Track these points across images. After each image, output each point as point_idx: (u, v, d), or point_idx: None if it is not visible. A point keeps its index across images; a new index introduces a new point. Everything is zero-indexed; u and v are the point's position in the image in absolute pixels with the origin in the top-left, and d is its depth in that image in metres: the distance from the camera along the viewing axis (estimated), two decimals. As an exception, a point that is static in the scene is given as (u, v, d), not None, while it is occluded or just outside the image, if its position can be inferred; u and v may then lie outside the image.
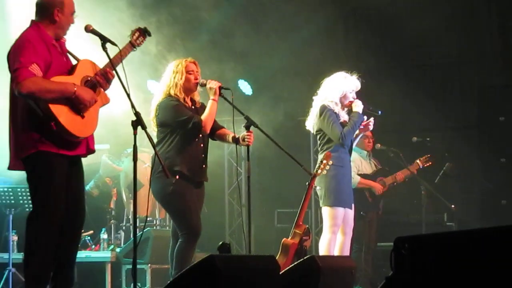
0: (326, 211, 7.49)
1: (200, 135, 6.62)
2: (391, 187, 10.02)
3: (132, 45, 5.82)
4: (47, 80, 5.36)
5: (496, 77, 12.74)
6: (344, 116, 7.63)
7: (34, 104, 5.35)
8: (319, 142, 7.68)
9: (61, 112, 5.37)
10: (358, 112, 7.57)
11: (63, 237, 5.54)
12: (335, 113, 7.54)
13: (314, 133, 7.73)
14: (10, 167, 5.57)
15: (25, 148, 5.41)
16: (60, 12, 5.56)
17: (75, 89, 5.40)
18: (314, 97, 7.75)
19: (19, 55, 5.32)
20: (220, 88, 6.59)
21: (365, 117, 7.72)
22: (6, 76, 5.49)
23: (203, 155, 6.67)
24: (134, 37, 5.86)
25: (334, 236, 7.45)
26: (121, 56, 5.65)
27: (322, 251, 7.41)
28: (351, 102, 7.65)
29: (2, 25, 9.65)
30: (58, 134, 5.39)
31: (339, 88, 7.61)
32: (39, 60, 5.36)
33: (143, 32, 5.89)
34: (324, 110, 7.51)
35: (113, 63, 5.61)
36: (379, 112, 7.90)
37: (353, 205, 7.70)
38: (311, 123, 7.72)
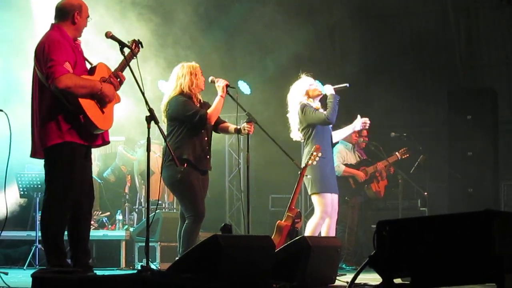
0: (315, 198, 7.45)
1: (205, 129, 6.60)
2: (373, 176, 10.03)
3: (132, 54, 5.75)
4: (80, 77, 5.37)
5: (463, 81, 12.80)
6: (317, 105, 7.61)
7: (64, 99, 5.32)
8: (304, 137, 7.56)
9: (89, 107, 5.37)
10: (332, 94, 7.51)
11: (79, 216, 5.55)
12: (312, 106, 7.53)
13: (300, 131, 7.57)
14: (33, 155, 5.53)
15: (51, 138, 5.37)
16: (79, 14, 5.56)
17: (101, 86, 5.42)
18: (288, 115, 7.66)
19: (51, 54, 5.30)
20: (227, 86, 6.58)
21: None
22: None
23: (207, 147, 6.65)
24: (133, 47, 5.79)
25: (322, 221, 7.39)
26: (126, 62, 5.65)
27: (308, 232, 7.33)
28: (317, 91, 7.63)
29: (29, 28, 9.60)
30: (83, 127, 5.37)
31: (301, 90, 7.59)
32: (69, 59, 5.37)
33: (138, 44, 5.82)
34: (304, 106, 7.48)
35: (122, 67, 5.64)
36: (347, 85, 7.72)
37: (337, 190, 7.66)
38: (295, 132, 7.62)
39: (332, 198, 7.51)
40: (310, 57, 11.80)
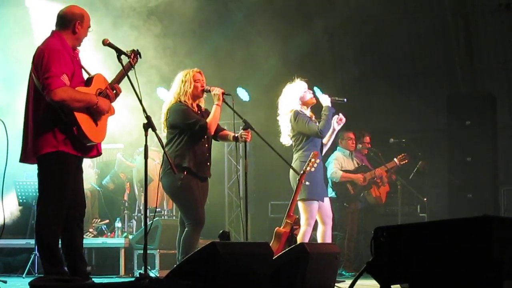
0: (301, 205, 7.37)
1: (205, 136, 6.60)
2: (371, 182, 10.01)
3: (130, 64, 5.73)
4: (76, 90, 5.35)
5: (462, 86, 12.81)
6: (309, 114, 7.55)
7: (60, 110, 5.32)
8: (294, 144, 7.52)
9: (83, 120, 5.36)
10: (328, 106, 7.47)
11: (71, 225, 5.54)
12: (306, 114, 7.48)
13: (291, 138, 7.54)
14: (23, 160, 5.51)
15: (45, 147, 5.35)
16: (80, 24, 5.53)
17: (97, 100, 5.41)
18: (278, 118, 7.60)
19: (50, 64, 5.27)
20: (223, 94, 6.58)
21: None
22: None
23: (207, 154, 6.64)
24: (131, 57, 5.75)
25: (310, 228, 7.33)
26: (124, 72, 5.62)
27: (297, 240, 7.20)
28: (312, 99, 7.58)
29: (28, 36, 9.60)
30: (77, 138, 5.36)
31: (294, 96, 7.52)
32: (68, 70, 5.34)
33: (136, 54, 5.80)
34: (297, 115, 7.41)
35: (119, 79, 5.64)
36: (344, 100, 7.70)
37: (327, 198, 7.57)
38: (286, 137, 7.55)
39: (322, 206, 7.42)
40: (308, 63, 11.80)
